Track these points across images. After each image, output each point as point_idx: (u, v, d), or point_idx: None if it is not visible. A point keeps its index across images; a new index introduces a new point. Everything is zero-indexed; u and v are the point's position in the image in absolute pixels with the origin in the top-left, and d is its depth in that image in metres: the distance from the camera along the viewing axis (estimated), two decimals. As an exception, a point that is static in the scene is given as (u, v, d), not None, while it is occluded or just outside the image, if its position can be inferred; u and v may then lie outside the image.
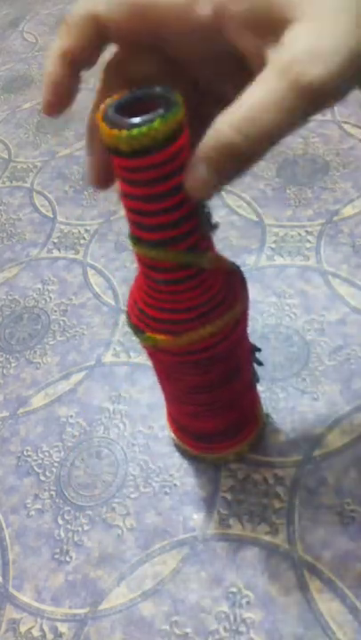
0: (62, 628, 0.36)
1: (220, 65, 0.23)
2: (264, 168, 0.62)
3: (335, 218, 0.55)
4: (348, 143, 0.63)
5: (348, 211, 0.56)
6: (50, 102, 0.23)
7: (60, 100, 0.23)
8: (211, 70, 0.23)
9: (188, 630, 0.35)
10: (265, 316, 0.49)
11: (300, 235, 0.55)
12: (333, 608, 0.34)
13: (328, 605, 0.34)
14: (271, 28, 0.19)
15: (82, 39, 0.22)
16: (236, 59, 0.22)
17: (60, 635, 0.36)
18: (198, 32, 0.21)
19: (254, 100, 0.19)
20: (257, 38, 0.20)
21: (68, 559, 0.39)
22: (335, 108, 0.67)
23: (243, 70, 0.23)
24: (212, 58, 0.22)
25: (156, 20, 0.21)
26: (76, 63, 0.22)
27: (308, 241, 0.54)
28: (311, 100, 0.18)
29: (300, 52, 0.18)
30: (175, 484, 0.41)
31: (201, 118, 0.26)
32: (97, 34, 0.22)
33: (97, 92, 0.24)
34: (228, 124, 0.19)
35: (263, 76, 0.19)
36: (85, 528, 0.40)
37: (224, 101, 0.25)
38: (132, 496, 0.41)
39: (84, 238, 0.61)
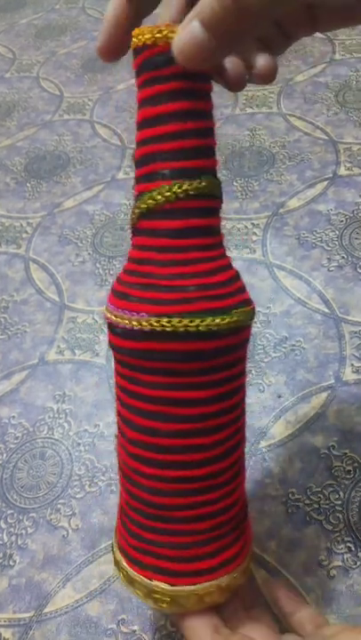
0: (6, 633, 0.35)
1: None
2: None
3: (281, 210, 0.56)
4: (293, 136, 0.63)
5: (293, 203, 0.56)
6: (104, 46, 0.23)
7: (117, 42, 0.23)
8: None
9: (135, 628, 0.34)
10: (212, 309, 0.49)
11: (246, 228, 0.55)
12: (279, 597, 0.34)
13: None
14: None
15: None
16: None
17: (4, 642, 0.35)
18: None
19: None
20: None
21: (11, 563, 0.38)
22: (281, 101, 0.68)
23: None
24: None
25: None
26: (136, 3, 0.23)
27: (255, 234, 0.54)
28: None
29: None
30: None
31: None
32: None
33: None
34: None
35: None
36: (29, 531, 0.39)
37: None
38: (78, 496, 0.40)
39: (26, 232, 0.59)
